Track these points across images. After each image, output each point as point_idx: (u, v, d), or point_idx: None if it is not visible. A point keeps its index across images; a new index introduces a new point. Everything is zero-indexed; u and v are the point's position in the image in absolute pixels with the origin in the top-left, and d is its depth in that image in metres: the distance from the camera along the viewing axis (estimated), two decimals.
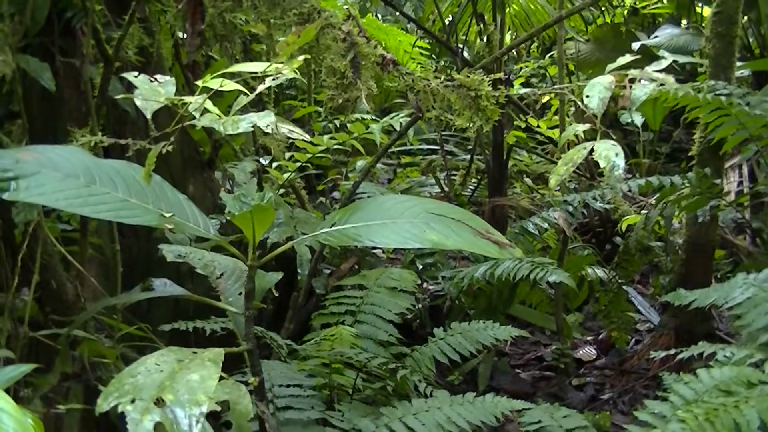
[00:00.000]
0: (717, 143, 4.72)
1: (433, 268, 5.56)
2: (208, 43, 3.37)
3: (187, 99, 2.26)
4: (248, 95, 2.33)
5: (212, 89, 2.30)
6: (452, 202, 6.22)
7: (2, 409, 1.64)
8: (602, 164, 2.80)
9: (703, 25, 8.73)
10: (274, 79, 2.34)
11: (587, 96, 2.95)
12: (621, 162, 2.79)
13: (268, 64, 2.38)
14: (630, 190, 5.13)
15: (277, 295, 3.38)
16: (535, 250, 5.80)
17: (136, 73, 2.38)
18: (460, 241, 2.49)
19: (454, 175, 7.34)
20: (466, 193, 7.37)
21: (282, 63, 2.38)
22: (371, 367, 3.68)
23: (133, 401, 1.85)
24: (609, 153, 2.80)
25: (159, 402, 1.85)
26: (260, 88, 2.34)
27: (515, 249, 2.49)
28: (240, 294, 2.92)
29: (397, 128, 5.17)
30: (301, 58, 2.45)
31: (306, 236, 2.76)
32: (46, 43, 3.75)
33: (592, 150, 2.89)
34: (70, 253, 3.47)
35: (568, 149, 3.10)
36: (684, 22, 9.65)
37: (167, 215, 2.42)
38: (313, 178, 7.50)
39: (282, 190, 5.36)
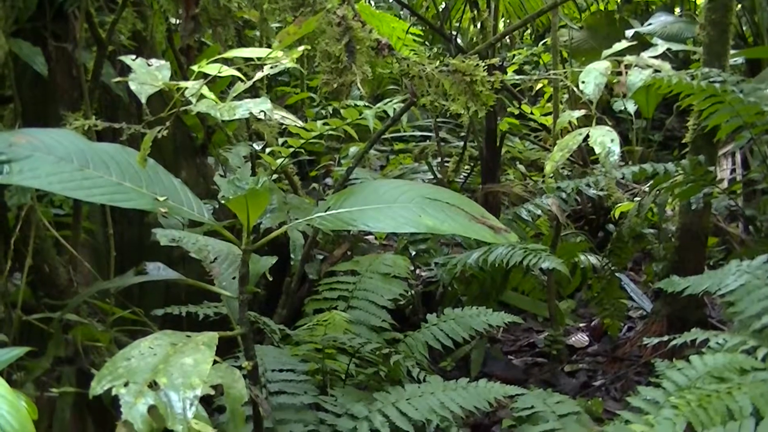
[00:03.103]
0: (711, 131, 4.72)
1: (426, 254, 5.56)
2: (201, 27, 3.35)
3: (184, 84, 2.25)
4: (245, 82, 2.32)
5: (208, 75, 2.29)
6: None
7: None
8: (598, 150, 2.80)
9: (697, 12, 8.75)
10: (272, 68, 2.33)
11: (583, 82, 2.95)
12: (616, 148, 2.79)
13: (268, 51, 2.36)
14: (623, 177, 5.13)
15: (270, 280, 3.38)
16: (528, 236, 5.80)
17: (133, 57, 2.37)
18: (455, 226, 2.49)
19: (447, 161, 7.33)
20: (459, 180, 7.36)
21: (282, 52, 2.37)
22: (364, 352, 3.68)
23: (126, 384, 1.84)
24: (605, 139, 2.80)
25: (153, 385, 1.85)
26: (258, 75, 2.33)
27: (510, 234, 2.49)
28: (234, 278, 2.91)
29: (391, 114, 5.15)
30: (301, 48, 2.44)
31: (300, 220, 2.75)
32: (38, 28, 3.72)
33: (587, 136, 2.89)
34: (63, 237, 3.46)
35: (562, 136, 3.10)
36: (677, 9, 9.66)
37: (161, 199, 2.42)
38: (306, 164, 7.50)
39: (275, 176, 5.35)
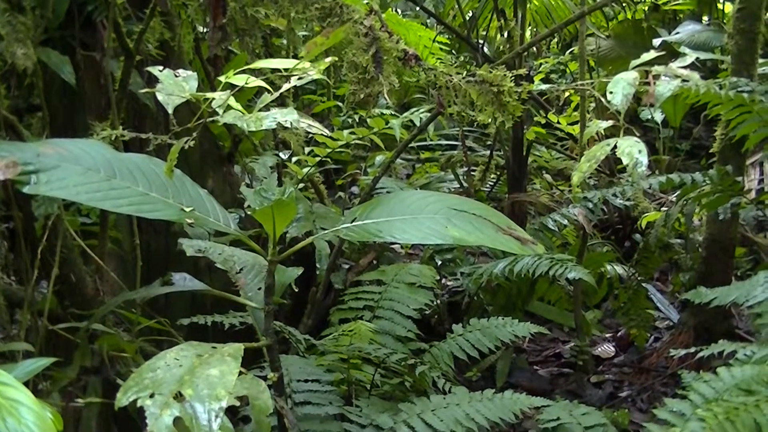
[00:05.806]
0: (738, 140, 4.69)
1: (452, 264, 5.55)
2: (229, 37, 3.36)
3: (211, 95, 2.25)
4: (272, 93, 2.32)
5: (236, 85, 2.29)
6: (471, 198, 6.20)
7: (21, 402, 1.64)
8: (625, 161, 2.78)
9: (725, 21, 8.69)
10: (299, 79, 2.33)
11: (611, 92, 2.93)
12: (644, 159, 2.77)
13: (296, 62, 2.36)
14: (650, 187, 5.10)
15: (295, 290, 3.38)
16: (555, 246, 5.78)
17: (160, 67, 2.37)
18: (481, 237, 2.48)
19: (474, 170, 7.32)
20: (485, 189, 7.35)
21: (310, 63, 2.37)
22: (389, 362, 3.67)
23: (152, 396, 1.85)
24: (632, 150, 2.78)
25: (178, 397, 1.85)
26: (285, 86, 2.33)
27: (537, 245, 2.48)
28: (260, 289, 2.91)
29: (417, 123, 5.14)
30: (328, 59, 2.44)
31: (327, 231, 2.74)
32: (66, 37, 3.75)
33: (614, 147, 2.87)
34: (90, 246, 3.47)
35: (590, 146, 3.08)
36: (705, 18, 9.60)
37: (188, 210, 2.42)
38: (332, 173, 7.50)
39: (301, 185, 5.35)
